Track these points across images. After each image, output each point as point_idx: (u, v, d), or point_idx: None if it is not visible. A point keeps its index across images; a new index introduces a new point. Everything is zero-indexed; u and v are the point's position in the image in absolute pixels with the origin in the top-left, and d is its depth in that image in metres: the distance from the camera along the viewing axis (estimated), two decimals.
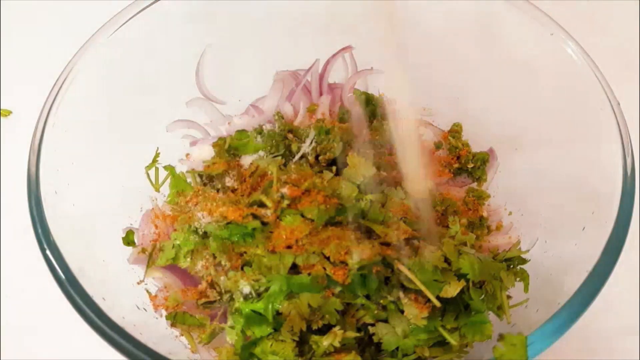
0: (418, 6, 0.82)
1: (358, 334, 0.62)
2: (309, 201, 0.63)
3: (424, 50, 0.86)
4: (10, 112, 1.02)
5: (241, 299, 0.63)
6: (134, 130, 0.80)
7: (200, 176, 0.77)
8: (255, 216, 0.63)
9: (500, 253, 0.69)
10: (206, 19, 0.83)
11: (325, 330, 0.63)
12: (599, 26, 1.08)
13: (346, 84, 0.89)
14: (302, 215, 0.63)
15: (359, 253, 0.60)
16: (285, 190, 0.64)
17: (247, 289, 0.62)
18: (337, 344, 0.61)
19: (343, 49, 0.87)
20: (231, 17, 0.84)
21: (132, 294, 0.71)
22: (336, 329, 0.61)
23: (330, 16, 0.85)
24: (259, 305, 0.60)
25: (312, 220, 0.62)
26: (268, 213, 0.63)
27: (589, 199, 0.68)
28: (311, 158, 0.74)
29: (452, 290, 0.61)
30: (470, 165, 0.83)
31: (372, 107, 0.83)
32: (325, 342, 0.61)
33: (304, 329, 0.61)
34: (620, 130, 0.66)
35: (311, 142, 0.75)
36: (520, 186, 0.81)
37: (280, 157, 0.74)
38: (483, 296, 0.62)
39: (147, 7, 0.76)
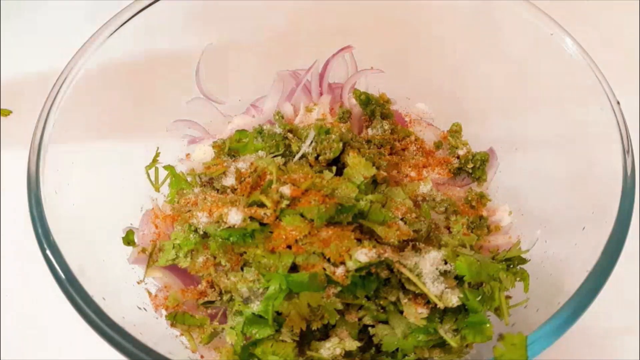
0: (418, 6, 0.82)
1: (359, 344, 0.62)
2: (309, 201, 0.63)
3: (424, 50, 0.86)
4: (10, 112, 1.01)
5: (241, 302, 0.63)
6: (133, 130, 0.80)
7: (200, 176, 0.77)
8: (253, 218, 0.63)
9: (500, 253, 0.69)
10: (206, 19, 0.83)
11: (324, 330, 0.63)
12: (599, 26, 1.08)
13: (346, 84, 0.89)
14: (302, 215, 0.63)
15: (359, 254, 0.60)
16: (285, 190, 0.64)
17: (246, 293, 0.62)
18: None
19: (343, 49, 0.87)
20: (231, 17, 0.84)
21: (132, 294, 0.71)
22: (335, 339, 0.62)
23: (330, 16, 0.85)
24: (259, 309, 0.60)
25: (312, 220, 0.62)
26: (267, 213, 0.63)
27: (589, 199, 0.68)
28: (311, 158, 0.74)
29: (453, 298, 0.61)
30: (470, 165, 0.82)
31: (372, 107, 0.83)
32: (325, 352, 0.61)
33: (304, 328, 0.61)
34: (620, 130, 0.66)
35: (311, 142, 0.75)
36: (520, 186, 0.81)
37: (280, 157, 0.74)
38: (480, 297, 0.62)
39: (147, 7, 0.76)
